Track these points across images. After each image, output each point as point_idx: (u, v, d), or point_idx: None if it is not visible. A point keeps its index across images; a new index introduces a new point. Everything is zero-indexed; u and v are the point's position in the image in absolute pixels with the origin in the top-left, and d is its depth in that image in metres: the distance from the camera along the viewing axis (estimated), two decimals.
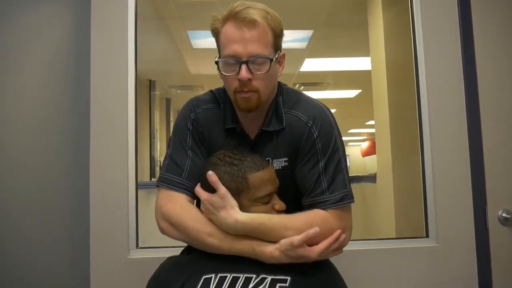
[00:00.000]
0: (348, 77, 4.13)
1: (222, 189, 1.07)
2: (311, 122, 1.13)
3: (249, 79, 1.05)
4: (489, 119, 1.84)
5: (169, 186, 1.14)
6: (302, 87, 4.34)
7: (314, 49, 3.58)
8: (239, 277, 1.08)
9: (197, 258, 1.15)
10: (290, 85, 1.28)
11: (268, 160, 1.14)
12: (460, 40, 1.88)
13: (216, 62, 1.09)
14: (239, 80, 1.06)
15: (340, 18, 3.18)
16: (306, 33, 3.40)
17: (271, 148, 1.15)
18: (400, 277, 1.79)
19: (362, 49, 3.26)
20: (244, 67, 1.04)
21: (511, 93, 1.87)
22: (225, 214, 1.05)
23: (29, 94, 1.91)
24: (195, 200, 1.18)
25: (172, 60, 3.47)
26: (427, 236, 1.84)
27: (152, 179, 2.79)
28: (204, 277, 1.09)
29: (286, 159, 1.14)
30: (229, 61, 1.06)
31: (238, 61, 1.05)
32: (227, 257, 1.12)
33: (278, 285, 1.06)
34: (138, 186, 1.85)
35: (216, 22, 1.09)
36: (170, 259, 1.21)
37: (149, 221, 1.93)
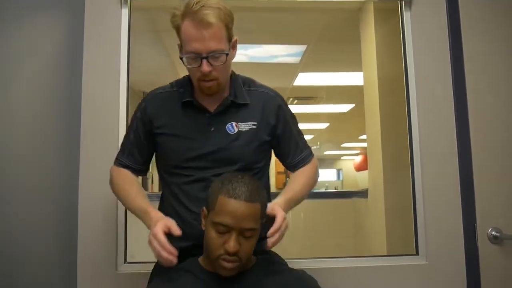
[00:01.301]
0: (342, 92, 4.15)
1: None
2: (278, 97, 1.40)
3: (210, 71, 1.23)
4: (479, 137, 1.85)
5: (116, 163, 1.43)
6: (296, 101, 4.36)
7: (308, 64, 3.60)
8: None
9: (186, 281, 1.14)
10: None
11: (232, 124, 1.32)
12: (450, 56, 1.90)
13: (181, 57, 1.26)
14: (201, 71, 1.23)
15: (333, 33, 3.21)
16: (300, 48, 3.43)
17: (237, 116, 1.33)
18: None
19: (354, 64, 3.29)
20: (204, 61, 1.21)
21: (502, 110, 1.89)
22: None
23: (20, 106, 1.90)
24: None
25: (166, 72, 3.48)
26: (417, 253, 1.84)
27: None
28: None
29: (255, 122, 1.33)
30: (192, 56, 1.22)
31: (199, 56, 1.21)
32: (217, 282, 1.12)
33: None
34: None
35: (175, 19, 1.24)
36: (158, 280, 1.20)
37: (139, 235, 1.92)
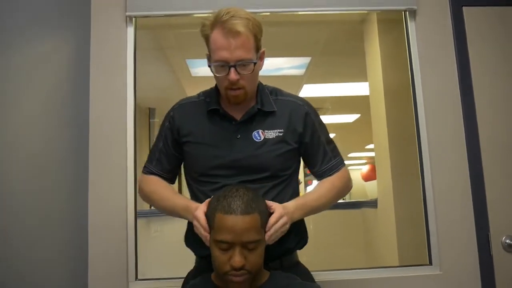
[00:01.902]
0: (347, 102, 4.14)
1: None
2: (306, 106, 1.40)
3: (237, 79, 1.24)
4: (489, 143, 1.85)
5: (143, 171, 1.44)
6: None
7: (312, 76, 3.60)
8: None
9: None
10: None
11: (258, 131, 1.33)
12: (456, 63, 1.91)
13: (209, 65, 1.28)
14: (228, 80, 1.24)
15: (338, 45, 3.21)
16: (304, 60, 3.43)
17: (263, 123, 1.34)
18: None
19: (359, 75, 3.29)
20: (232, 70, 1.23)
21: (509, 115, 1.88)
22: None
23: (29, 124, 1.92)
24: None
25: (172, 88, 3.49)
26: (430, 263, 1.82)
27: (152, 207, 2.76)
28: None
29: (282, 130, 1.34)
30: (220, 65, 1.24)
31: (227, 65, 1.23)
32: None
33: None
34: (137, 215, 1.83)
35: (205, 29, 1.26)
36: None
37: (149, 251, 1.91)
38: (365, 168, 5.70)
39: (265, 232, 1.14)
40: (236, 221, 1.07)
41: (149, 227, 2.63)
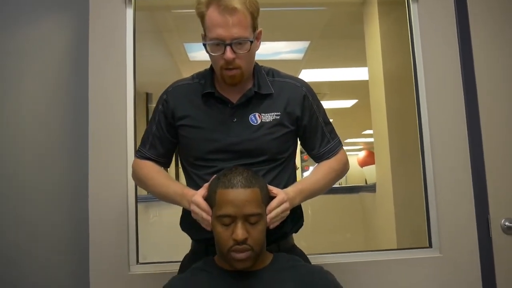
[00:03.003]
0: (345, 87, 4.13)
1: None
2: (304, 87, 1.37)
3: (233, 58, 1.21)
4: (490, 127, 1.85)
5: (137, 155, 1.42)
6: None
7: (311, 60, 3.58)
8: None
9: (202, 280, 1.14)
10: None
11: (255, 114, 1.30)
12: (459, 46, 1.90)
13: (204, 44, 1.24)
14: (224, 59, 1.21)
15: (337, 29, 3.19)
16: (303, 44, 3.41)
17: (260, 106, 1.31)
18: None
19: (359, 60, 3.27)
20: (228, 48, 1.20)
21: (511, 99, 1.88)
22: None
23: (27, 107, 1.90)
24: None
25: (169, 73, 3.46)
26: (430, 246, 1.84)
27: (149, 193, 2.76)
28: None
29: (279, 113, 1.31)
30: (215, 43, 1.20)
31: (222, 43, 1.19)
32: (233, 280, 1.11)
33: None
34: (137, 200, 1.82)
35: (200, 6, 1.23)
36: (173, 280, 1.19)
37: (149, 236, 1.91)
38: (362, 154, 5.72)
39: (266, 214, 1.14)
40: (238, 193, 1.09)
41: (147, 212, 2.63)
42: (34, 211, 1.85)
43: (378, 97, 2.78)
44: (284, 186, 1.29)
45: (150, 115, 1.41)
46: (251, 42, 1.23)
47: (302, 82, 1.39)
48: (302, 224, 1.39)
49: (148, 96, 3.27)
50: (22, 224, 1.84)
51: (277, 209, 1.16)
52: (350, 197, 3.34)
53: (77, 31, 1.92)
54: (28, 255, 1.83)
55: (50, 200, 1.86)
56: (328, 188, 1.39)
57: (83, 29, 1.84)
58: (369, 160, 4.98)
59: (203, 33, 1.26)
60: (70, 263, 1.84)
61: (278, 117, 1.31)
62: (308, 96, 1.36)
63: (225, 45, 1.19)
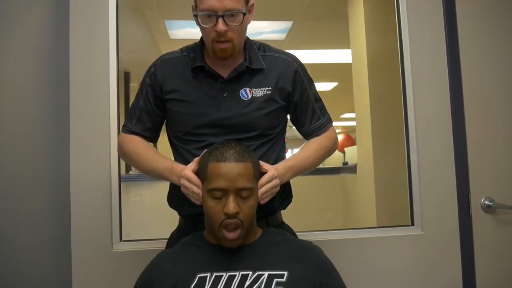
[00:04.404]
0: (326, 70, 4.14)
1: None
2: (295, 63, 1.35)
3: (225, 31, 1.19)
4: (473, 109, 1.88)
5: (123, 130, 1.38)
6: None
7: (293, 41, 3.56)
8: (235, 275, 1.06)
9: (191, 254, 1.13)
10: None
11: (246, 89, 1.28)
12: (445, 27, 1.91)
13: (195, 15, 1.21)
14: (216, 31, 1.19)
15: (320, 10, 3.18)
16: (286, 24, 3.38)
17: (251, 81, 1.29)
18: (385, 265, 1.81)
19: (342, 42, 3.28)
20: (220, 20, 1.17)
21: (496, 82, 1.91)
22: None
23: (6, 85, 1.81)
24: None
25: (148, 51, 3.37)
26: (412, 224, 1.87)
27: (130, 172, 2.72)
28: (198, 275, 1.07)
29: (269, 88, 1.30)
30: (207, 14, 1.18)
31: (214, 14, 1.17)
32: (222, 254, 1.11)
33: (275, 280, 1.05)
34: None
35: None
36: (162, 254, 1.18)
37: (130, 215, 1.89)
38: (340, 137, 5.78)
39: (256, 183, 1.14)
40: (230, 167, 1.08)
41: (128, 192, 2.59)
42: (14, 189, 1.79)
43: (361, 79, 2.80)
44: (274, 162, 1.28)
45: (131, 95, 1.37)
46: (244, 14, 1.20)
47: (293, 57, 1.36)
48: (290, 201, 1.39)
49: (127, 75, 3.19)
50: (2, 202, 1.78)
51: (267, 184, 1.16)
52: (331, 178, 3.37)
53: (57, 6, 1.84)
54: (9, 234, 1.77)
55: (31, 178, 1.80)
56: (318, 165, 1.39)
57: (63, 5, 1.78)
58: (346, 143, 5.05)
59: (193, 4, 1.23)
60: (52, 242, 1.79)
61: (269, 92, 1.29)
62: (299, 72, 1.34)
63: (217, 17, 1.17)
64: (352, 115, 3.10)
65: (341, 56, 3.65)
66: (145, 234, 1.82)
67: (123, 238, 1.76)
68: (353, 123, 3.11)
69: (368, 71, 2.72)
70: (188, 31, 3.14)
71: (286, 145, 1.49)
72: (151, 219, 2.13)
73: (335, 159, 4.58)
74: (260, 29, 3.37)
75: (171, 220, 1.40)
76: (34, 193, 1.80)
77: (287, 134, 1.42)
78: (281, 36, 3.51)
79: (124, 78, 3.20)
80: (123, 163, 1.83)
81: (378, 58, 2.62)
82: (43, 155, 1.82)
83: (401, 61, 1.93)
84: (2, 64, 1.82)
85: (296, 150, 1.39)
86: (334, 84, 4.57)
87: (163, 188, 1.39)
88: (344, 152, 4.76)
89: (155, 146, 1.43)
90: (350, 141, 5.18)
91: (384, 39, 2.36)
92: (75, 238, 1.70)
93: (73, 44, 1.75)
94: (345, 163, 4.25)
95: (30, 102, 1.83)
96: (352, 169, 3.10)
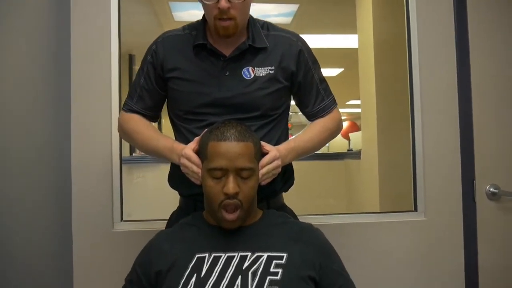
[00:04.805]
0: (332, 55, 4.10)
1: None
2: (300, 42, 1.31)
3: (228, 8, 1.16)
4: (480, 94, 1.85)
5: (124, 108, 1.36)
6: None
7: (299, 25, 3.52)
8: (233, 256, 1.05)
9: (190, 234, 1.12)
10: None
11: (248, 68, 1.26)
12: (454, 15, 1.87)
13: None
14: (218, 8, 1.16)
15: None
16: (292, 8, 3.34)
17: (254, 60, 1.27)
18: (387, 250, 1.80)
19: (348, 26, 3.23)
20: None
21: (504, 68, 1.88)
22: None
23: (7, 66, 1.80)
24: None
25: (152, 33, 3.34)
26: (416, 210, 1.85)
27: (133, 154, 2.72)
28: (197, 255, 1.06)
29: (273, 67, 1.27)
30: None
31: None
32: (221, 234, 1.10)
33: (274, 262, 1.04)
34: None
35: None
36: (160, 234, 1.17)
37: (132, 196, 1.88)
38: (345, 124, 5.76)
39: (257, 163, 1.12)
40: (231, 146, 1.06)
41: (131, 174, 2.59)
42: (15, 170, 1.79)
43: (368, 64, 2.77)
44: (276, 143, 1.26)
45: (134, 77, 1.35)
46: None
47: (297, 36, 1.33)
48: (292, 183, 1.38)
49: (131, 57, 3.16)
50: (4, 183, 1.78)
51: (268, 165, 1.15)
52: (335, 163, 3.36)
53: None
54: (10, 215, 1.77)
55: (32, 158, 1.80)
56: (322, 147, 1.37)
57: None
58: (351, 130, 5.03)
59: None
60: (53, 221, 1.79)
61: (272, 72, 1.27)
62: (303, 51, 1.31)
63: None
64: (358, 102, 3.07)
65: (348, 41, 3.61)
66: (147, 215, 1.82)
67: (124, 219, 1.76)
68: (358, 110, 3.08)
69: (375, 56, 2.69)
70: (192, 13, 3.10)
71: (291, 131, 1.47)
72: (154, 200, 2.13)
73: (339, 146, 4.57)
74: (266, 12, 3.33)
75: (173, 201, 1.39)
76: (35, 174, 1.80)
77: (291, 120, 1.40)
78: (287, 20, 3.47)
79: (129, 60, 3.18)
80: (125, 145, 1.82)
81: (385, 44, 2.58)
82: (44, 137, 1.81)
83: (408, 47, 1.90)
84: (2, 44, 1.80)
85: None
86: (340, 70, 4.54)
87: (166, 170, 1.37)
88: (349, 139, 4.75)
89: (158, 127, 1.41)
90: (355, 127, 5.16)
91: (392, 25, 2.32)
92: (76, 217, 1.70)
93: (74, 25, 1.73)
94: (349, 150, 4.24)
95: (31, 83, 1.81)
96: (357, 154, 3.08)
